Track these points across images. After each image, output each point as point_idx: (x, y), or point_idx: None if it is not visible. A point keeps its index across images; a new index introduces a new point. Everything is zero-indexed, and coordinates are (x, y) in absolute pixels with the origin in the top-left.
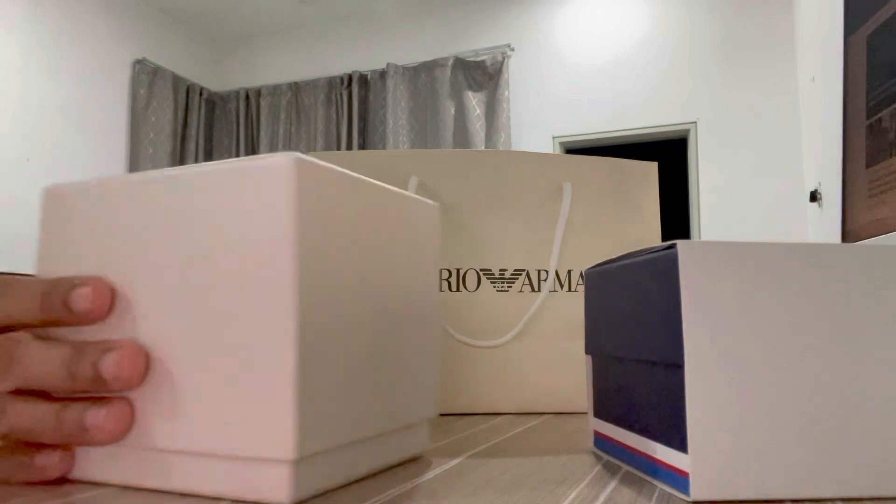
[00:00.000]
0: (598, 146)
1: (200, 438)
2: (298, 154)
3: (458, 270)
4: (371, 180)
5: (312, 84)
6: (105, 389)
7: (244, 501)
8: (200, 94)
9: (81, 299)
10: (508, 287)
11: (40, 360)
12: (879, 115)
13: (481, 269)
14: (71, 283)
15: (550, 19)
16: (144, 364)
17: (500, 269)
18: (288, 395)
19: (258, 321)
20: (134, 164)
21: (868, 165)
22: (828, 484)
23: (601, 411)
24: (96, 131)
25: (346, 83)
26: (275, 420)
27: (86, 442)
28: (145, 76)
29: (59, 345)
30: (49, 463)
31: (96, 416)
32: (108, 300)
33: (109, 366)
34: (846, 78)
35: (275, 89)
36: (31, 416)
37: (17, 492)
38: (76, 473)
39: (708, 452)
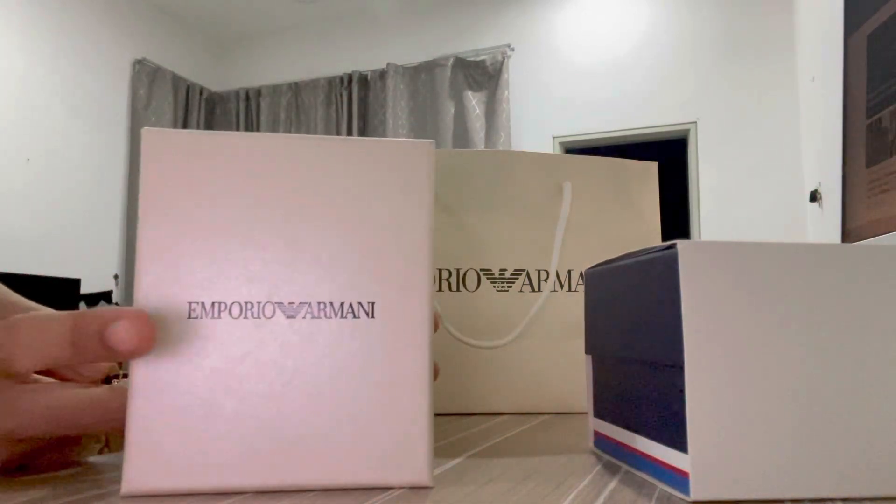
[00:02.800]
0: (598, 146)
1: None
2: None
3: (457, 270)
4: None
5: (312, 84)
6: (114, 358)
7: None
8: (200, 94)
9: (121, 336)
10: (508, 287)
11: (39, 341)
12: (879, 115)
13: (481, 269)
14: (102, 318)
15: (550, 19)
16: (152, 330)
17: (500, 270)
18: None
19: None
20: (134, 165)
21: (868, 165)
22: (828, 484)
23: (601, 411)
24: (96, 131)
25: (346, 83)
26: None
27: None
28: (145, 76)
29: (56, 320)
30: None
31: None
32: (152, 332)
33: (118, 337)
34: (846, 78)
35: (275, 89)
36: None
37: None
38: (199, 484)
39: (708, 452)
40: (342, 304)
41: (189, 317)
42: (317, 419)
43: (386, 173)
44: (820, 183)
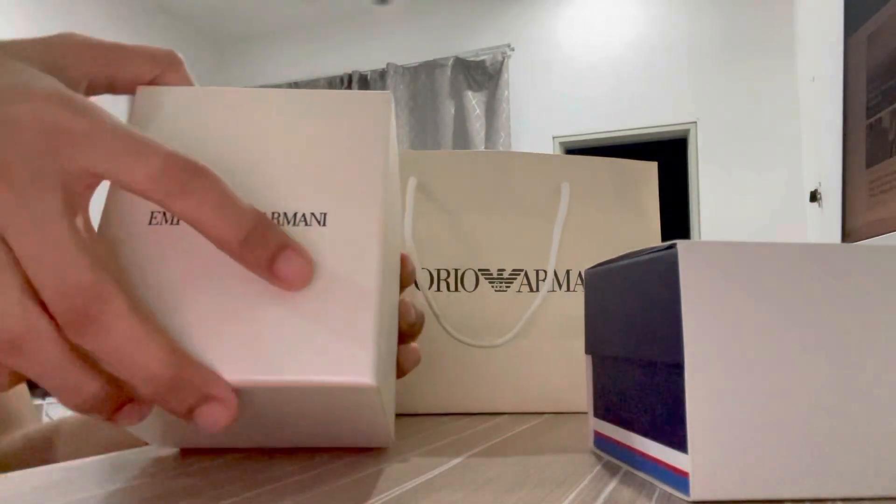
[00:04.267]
0: (598, 146)
1: (281, 367)
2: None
3: (455, 270)
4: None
5: (312, 84)
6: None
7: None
8: None
9: (294, 270)
10: (507, 287)
11: (217, 207)
12: (879, 115)
13: (479, 269)
14: (282, 242)
15: (550, 19)
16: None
17: (499, 270)
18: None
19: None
20: None
21: (868, 165)
22: (828, 484)
23: (601, 411)
24: None
25: (346, 83)
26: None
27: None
28: None
29: (242, 205)
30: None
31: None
32: (311, 273)
33: (292, 267)
34: (846, 78)
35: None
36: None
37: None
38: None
39: (708, 452)
40: (295, 214)
41: (150, 223)
42: (266, 316)
43: (349, 116)
44: (820, 183)
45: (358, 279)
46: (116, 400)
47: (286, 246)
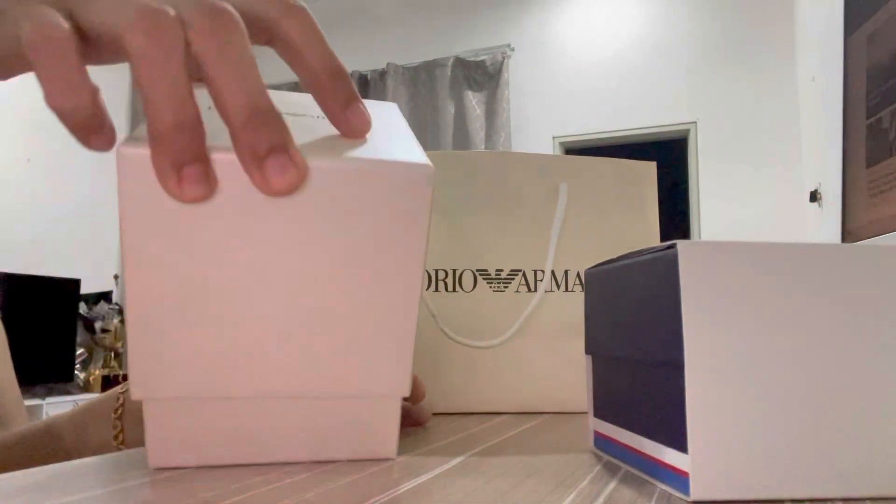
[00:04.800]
0: (598, 146)
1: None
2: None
3: (454, 271)
4: None
5: None
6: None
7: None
8: None
9: (361, 118)
10: (505, 287)
11: None
12: (879, 115)
13: (477, 270)
14: (357, 94)
15: (550, 19)
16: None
17: (497, 270)
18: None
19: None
20: None
21: (868, 165)
22: (828, 484)
23: (601, 411)
24: None
25: None
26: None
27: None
28: None
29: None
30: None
31: None
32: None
33: (361, 115)
34: (846, 78)
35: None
36: None
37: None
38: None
39: (708, 452)
40: None
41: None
42: (335, 140)
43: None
44: (820, 183)
45: (401, 130)
46: (196, 145)
47: (359, 98)
